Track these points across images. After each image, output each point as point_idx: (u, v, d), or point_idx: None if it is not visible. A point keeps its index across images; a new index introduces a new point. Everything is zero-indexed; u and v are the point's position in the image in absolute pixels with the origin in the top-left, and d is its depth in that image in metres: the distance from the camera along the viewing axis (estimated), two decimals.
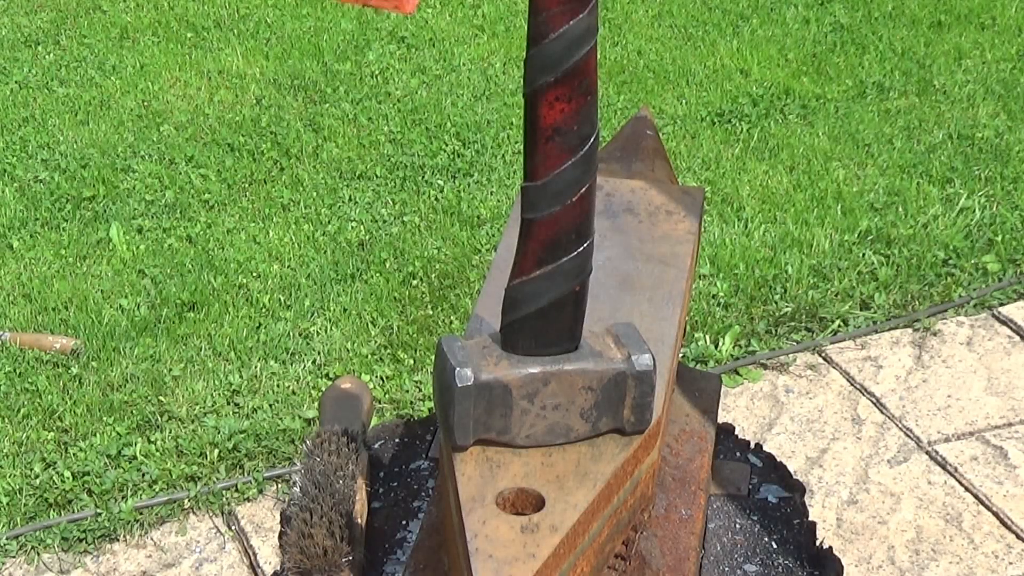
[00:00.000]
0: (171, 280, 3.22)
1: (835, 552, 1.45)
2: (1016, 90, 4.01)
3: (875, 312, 3.09)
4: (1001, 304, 3.14)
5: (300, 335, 3.02)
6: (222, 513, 2.60)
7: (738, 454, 1.62)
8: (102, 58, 4.35)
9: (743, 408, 2.84)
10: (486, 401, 1.11)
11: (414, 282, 3.19)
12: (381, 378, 2.87)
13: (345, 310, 3.10)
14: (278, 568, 1.37)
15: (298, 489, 1.34)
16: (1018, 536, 2.49)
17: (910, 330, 3.07)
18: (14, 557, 2.51)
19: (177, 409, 2.79)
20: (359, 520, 1.34)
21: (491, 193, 3.55)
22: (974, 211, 3.39)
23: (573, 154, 1.10)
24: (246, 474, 2.66)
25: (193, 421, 2.77)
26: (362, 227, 3.42)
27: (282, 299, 3.15)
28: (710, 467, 1.48)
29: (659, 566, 1.30)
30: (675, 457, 1.47)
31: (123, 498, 2.59)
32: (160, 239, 3.40)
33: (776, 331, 3.04)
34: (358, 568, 1.30)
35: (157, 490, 2.62)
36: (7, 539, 2.51)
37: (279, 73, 4.28)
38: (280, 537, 1.47)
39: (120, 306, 3.13)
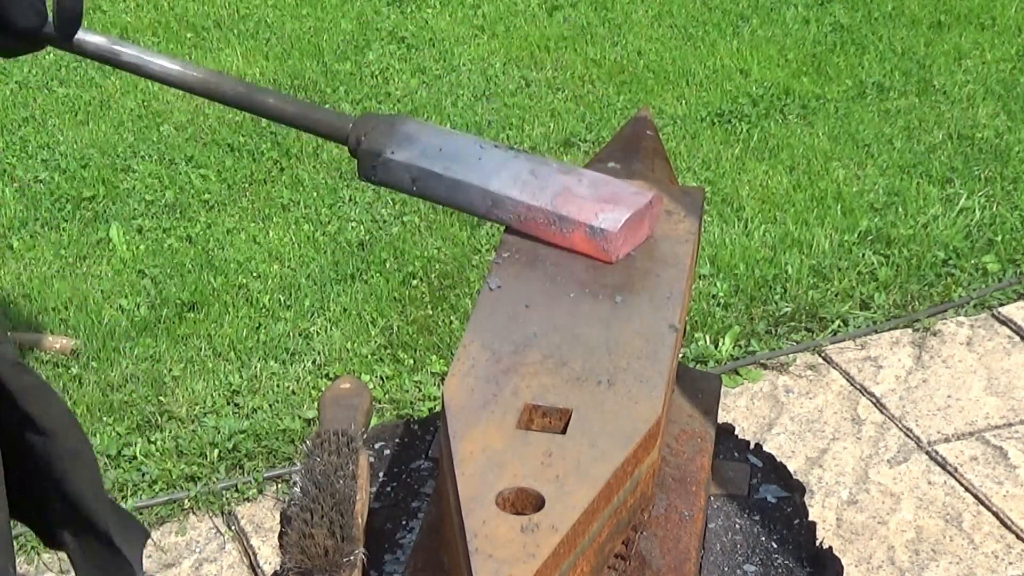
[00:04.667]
0: (171, 280, 3.22)
1: (835, 552, 1.45)
2: (1016, 90, 4.01)
3: (875, 312, 3.09)
4: (1001, 304, 3.14)
5: (300, 335, 3.02)
6: (222, 513, 2.60)
7: (738, 454, 1.62)
8: None
9: (743, 408, 2.84)
10: None
11: (414, 282, 3.19)
12: (381, 378, 2.87)
13: (345, 310, 3.10)
14: (278, 568, 1.37)
15: (298, 489, 1.34)
16: (1018, 536, 2.49)
17: (910, 330, 3.07)
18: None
19: (177, 409, 2.79)
20: (359, 520, 1.34)
21: None
22: (974, 211, 3.38)
23: None
24: (246, 474, 2.66)
25: (193, 421, 2.77)
26: (362, 227, 3.42)
27: (282, 299, 3.15)
28: (710, 467, 1.49)
29: (659, 566, 1.30)
30: (675, 457, 1.47)
31: (123, 498, 2.59)
32: (160, 239, 3.40)
33: (776, 331, 3.04)
34: (359, 568, 1.30)
35: (157, 490, 2.62)
36: None
37: (279, 73, 4.27)
38: (280, 537, 1.47)
39: (120, 306, 3.13)
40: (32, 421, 1.26)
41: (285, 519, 1.42)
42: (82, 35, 1.44)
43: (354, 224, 3.43)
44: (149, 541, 2.51)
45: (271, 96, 1.51)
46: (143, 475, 2.64)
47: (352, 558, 1.28)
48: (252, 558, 2.50)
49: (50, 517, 1.37)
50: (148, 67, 1.49)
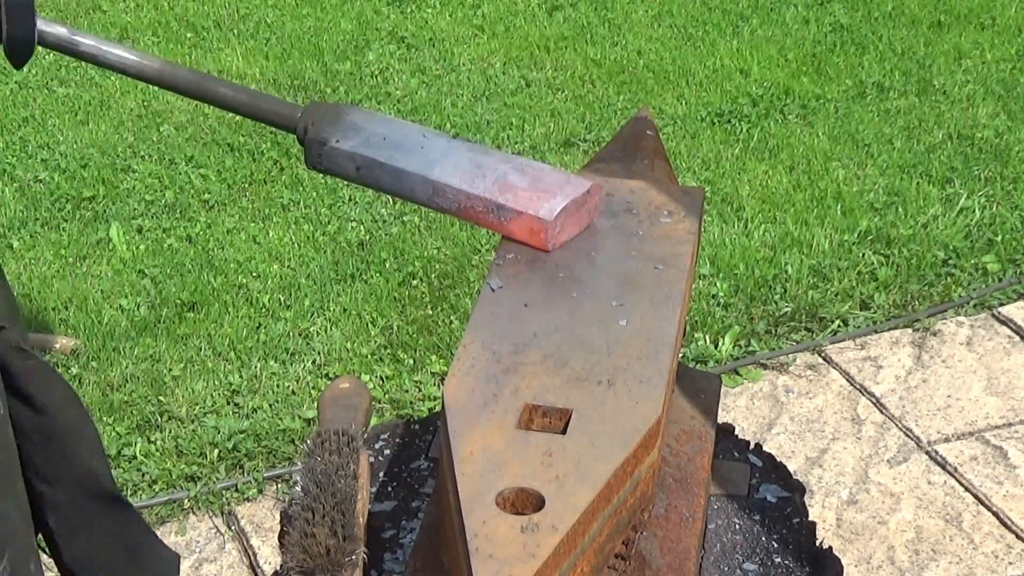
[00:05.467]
0: (171, 280, 3.22)
1: (835, 552, 1.46)
2: (1016, 90, 4.01)
3: (875, 312, 3.09)
4: (1001, 304, 3.14)
5: (300, 335, 3.02)
6: (222, 513, 2.60)
7: (738, 454, 1.62)
8: None
9: (743, 408, 2.84)
10: None
11: (414, 282, 3.19)
12: (381, 378, 2.87)
13: (345, 310, 3.10)
14: (278, 568, 1.38)
15: (299, 488, 1.34)
16: (1018, 536, 2.49)
17: (910, 330, 3.07)
18: None
19: (177, 409, 2.79)
20: (360, 519, 1.34)
21: None
22: (974, 211, 3.39)
23: None
24: (246, 474, 2.66)
25: (193, 421, 2.77)
26: (362, 227, 3.42)
27: (282, 299, 3.15)
28: (710, 467, 1.49)
29: (659, 566, 1.30)
30: (675, 457, 1.47)
31: None
32: (160, 239, 3.40)
33: (776, 331, 3.04)
34: (360, 567, 1.30)
35: (157, 490, 2.62)
36: None
37: (279, 73, 4.28)
38: (280, 537, 1.47)
39: (120, 306, 3.13)
40: (31, 400, 1.28)
41: (286, 518, 1.42)
42: (41, 26, 1.45)
43: (354, 224, 3.43)
44: None
45: (222, 86, 1.53)
46: (143, 475, 2.64)
47: (354, 557, 1.28)
48: (252, 558, 2.50)
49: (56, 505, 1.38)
50: (105, 57, 1.50)
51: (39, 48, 1.44)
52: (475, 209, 1.40)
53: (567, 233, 1.39)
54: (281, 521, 1.50)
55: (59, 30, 1.48)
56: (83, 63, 4.31)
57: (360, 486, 1.36)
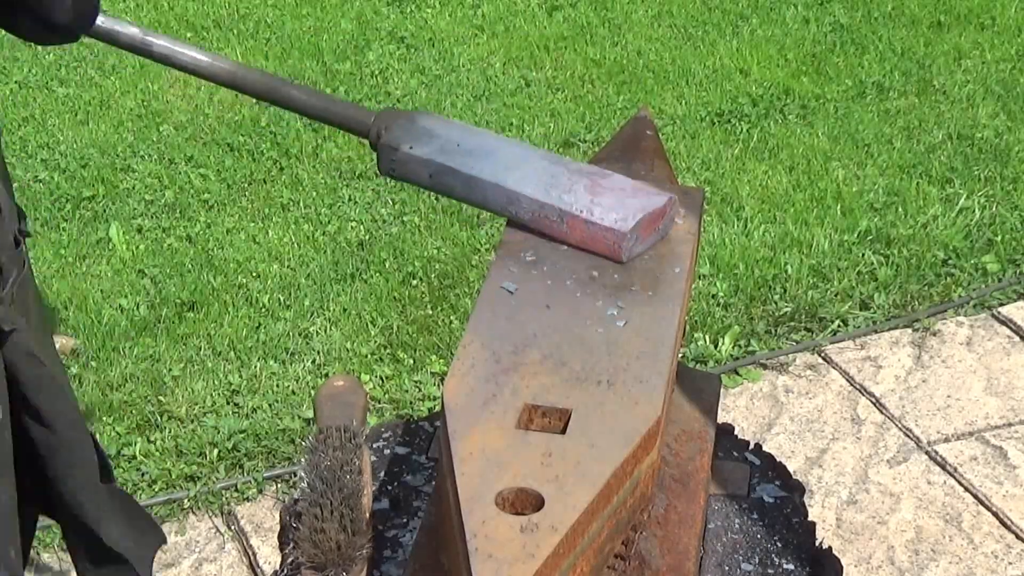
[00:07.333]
0: (171, 280, 3.22)
1: (835, 552, 1.46)
2: (1016, 90, 4.01)
3: (875, 312, 3.09)
4: (1001, 304, 3.14)
5: (300, 335, 3.02)
6: (222, 513, 2.60)
7: (737, 454, 1.62)
8: (102, 58, 4.35)
9: (743, 408, 2.84)
10: None
11: (414, 282, 3.19)
12: (381, 378, 2.87)
13: (345, 310, 3.10)
14: (277, 568, 1.37)
15: (306, 485, 1.34)
16: (1018, 536, 2.49)
17: (910, 330, 3.07)
18: None
19: (177, 409, 2.79)
20: (367, 515, 1.34)
21: None
22: (974, 211, 3.38)
23: None
24: (246, 474, 2.66)
25: (193, 421, 2.77)
26: (362, 227, 3.42)
27: (282, 299, 3.15)
28: (710, 467, 1.49)
29: (659, 566, 1.30)
30: (675, 457, 1.47)
31: None
32: (160, 239, 3.40)
33: (776, 331, 3.04)
34: (369, 561, 1.31)
35: (157, 490, 2.62)
36: None
37: (279, 73, 4.27)
38: (284, 534, 1.47)
39: (120, 306, 3.13)
40: (39, 413, 1.28)
41: (293, 515, 1.42)
42: (115, 26, 1.45)
43: (354, 224, 3.43)
44: None
45: (295, 89, 1.53)
46: (143, 475, 2.64)
47: (363, 552, 1.29)
48: (252, 558, 2.50)
49: (56, 511, 1.39)
50: (178, 58, 1.51)
51: (39, 47, 1.45)
52: (549, 219, 1.39)
53: (642, 244, 1.39)
54: (281, 518, 1.50)
55: (132, 31, 1.48)
56: (84, 62, 4.32)
57: (365, 482, 1.37)
